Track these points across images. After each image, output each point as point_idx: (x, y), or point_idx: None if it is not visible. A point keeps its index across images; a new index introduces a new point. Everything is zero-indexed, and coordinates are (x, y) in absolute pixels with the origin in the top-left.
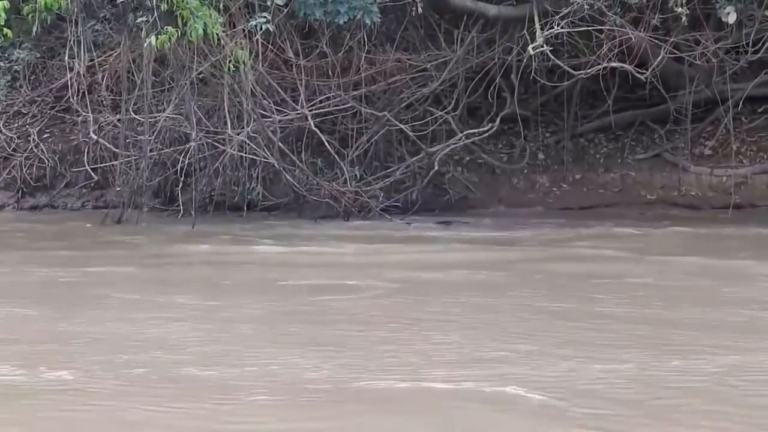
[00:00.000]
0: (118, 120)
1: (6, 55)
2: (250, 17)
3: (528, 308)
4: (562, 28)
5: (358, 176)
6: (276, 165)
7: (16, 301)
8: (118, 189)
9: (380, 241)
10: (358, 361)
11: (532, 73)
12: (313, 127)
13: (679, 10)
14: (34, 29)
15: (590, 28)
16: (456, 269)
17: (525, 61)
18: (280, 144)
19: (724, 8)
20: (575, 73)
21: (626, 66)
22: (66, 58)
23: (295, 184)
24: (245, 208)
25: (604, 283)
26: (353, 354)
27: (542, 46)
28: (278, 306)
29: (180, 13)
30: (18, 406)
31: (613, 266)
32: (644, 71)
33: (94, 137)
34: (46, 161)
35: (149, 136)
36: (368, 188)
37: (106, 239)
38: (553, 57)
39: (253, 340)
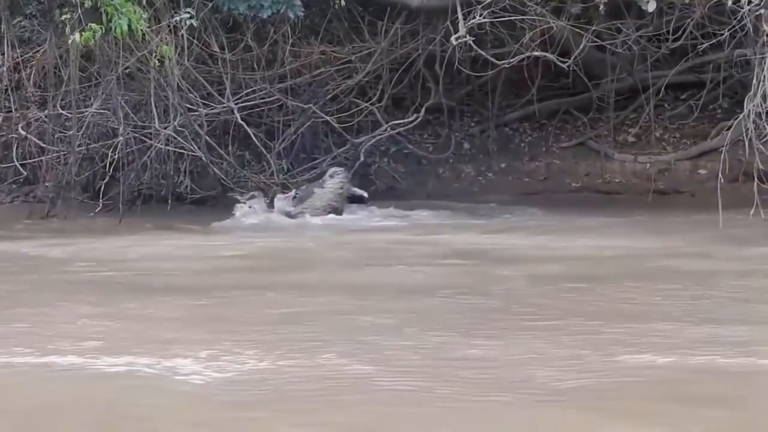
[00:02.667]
0: (46, 116)
1: None
2: (175, 12)
3: None
4: (484, 18)
5: (285, 168)
6: (203, 158)
7: None
8: (47, 185)
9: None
10: None
11: (456, 64)
12: (240, 121)
13: None
14: None
15: (512, 17)
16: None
17: (449, 51)
18: (207, 137)
19: None
20: (498, 62)
21: (549, 55)
22: None
23: (223, 177)
24: (168, 201)
25: None
26: None
27: (465, 37)
28: None
29: (104, 10)
30: None
31: None
32: (566, 60)
33: (23, 133)
34: None
35: (77, 132)
36: (295, 180)
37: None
38: (476, 47)
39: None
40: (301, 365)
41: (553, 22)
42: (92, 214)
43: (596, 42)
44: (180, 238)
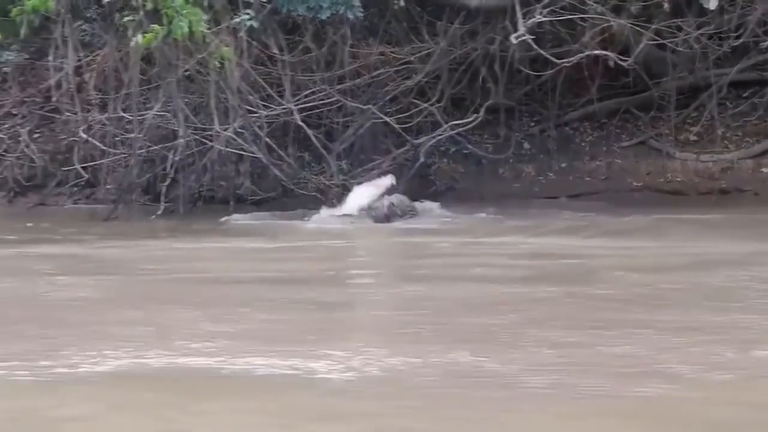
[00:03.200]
0: (107, 119)
1: None
2: (235, 14)
3: None
4: (543, 17)
5: (345, 169)
6: (263, 160)
7: None
8: (107, 187)
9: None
10: None
11: (516, 63)
12: (299, 122)
13: None
14: (22, 31)
15: (572, 16)
16: None
17: (508, 51)
18: (267, 139)
19: None
20: (558, 61)
21: (609, 54)
22: (53, 58)
23: (283, 178)
24: (229, 203)
25: None
26: None
27: (524, 36)
28: None
29: (165, 12)
30: None
31: None
32: (627, 59)
33: (84, 136)
34: (37, 161)
35: (137, 134)
36: (355, 181)
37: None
38: (535, 46)
39: None
40: (435, 363)
41: (613, 21)
42: (154, 216)
43: (657, 40)
44: (253, 240)
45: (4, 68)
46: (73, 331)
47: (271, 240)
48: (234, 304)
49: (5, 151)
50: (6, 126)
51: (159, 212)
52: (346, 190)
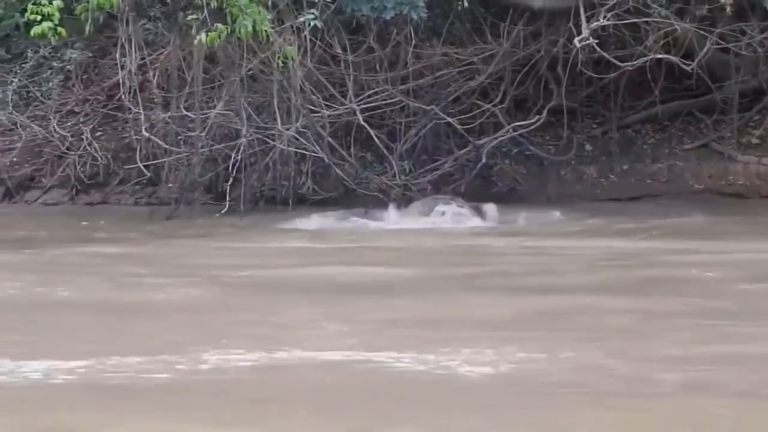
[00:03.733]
0: (170, 117)
1: (59, 54)
2: (298, 14)
3: None
4: (607, 20)
5: (407, 170)
6: (326, 159)
7: None
8: (170, 186)
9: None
10: None
11: (579, 65)
12: (362, 122)
13: (724, 0)
14: (87, 29)
15: (636, 20)
16: None
17: (571, 53)
18: (329, 139)
19: None
20: (621, 64)
21: (672, 57)
22: (117, 56)
23: (345, 178)
24: (290, 202)
25: None
26: None
27: (588, 39)
28: None
29: (229, 11)
30: None
31: None
32: (690, 62)
33: (146, 134)
34: (99, 159)
35: (200, 133)
36: (417, 181)
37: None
38: (599, 49)
39: None
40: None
41: (677, 24)
42: (217, 215)
43: (720, 44)
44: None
45: (68, 66)
46: (204, 331)
47: (351, 240)
48: (343, 303)
49: (68, 148)
50: (69, 124)
51: (223, 211)
52: (408, 190)
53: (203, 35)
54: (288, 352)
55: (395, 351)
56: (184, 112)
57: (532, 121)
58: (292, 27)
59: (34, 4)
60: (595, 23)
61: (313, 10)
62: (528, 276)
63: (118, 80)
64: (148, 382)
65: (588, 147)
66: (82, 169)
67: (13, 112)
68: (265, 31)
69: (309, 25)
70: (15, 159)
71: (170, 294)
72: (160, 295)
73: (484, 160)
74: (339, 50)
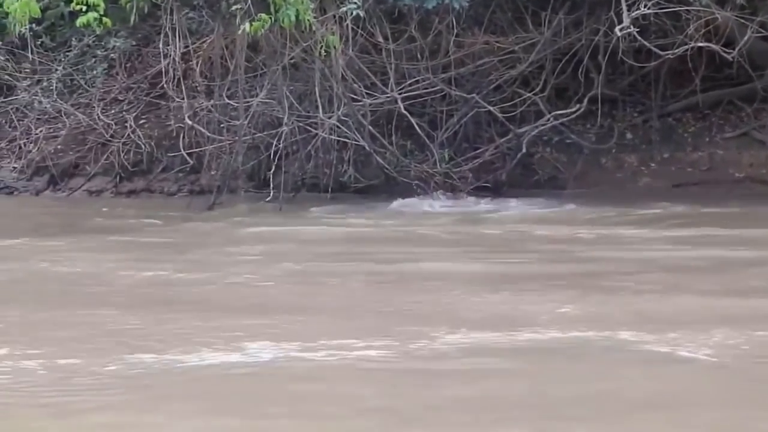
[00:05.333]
0: (213, 105)
1: (103, 43)
2: (341, 3)
3: None
4: (648, 9)
5: (448, 158)
6: (367, 147)
7: None
8: (212, 173)
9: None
10: None
11: (620, 54)
12: (403, 110)
13: None
14: (131, 18)
15: (677, 8)
16: None
17: (612, 41)
18: (371, 127)
19: None
20: (662, 53)
21: (713, 46)
22: (161, 45)
23: (386, 166)
24: (329, 190)
25: None
26: None
27: (629, 27)
28: None
29: (272, 0)
30: None
31: None
32: (731, 51)
33: (189, 122)
34: (143, 147)
35: (243, 121)
36: (458, 169)
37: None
38: (639, 38)
39: None
40: None
41: (718, 13)
42: (263, 202)
43: (761, 32)
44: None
45: (112, 54)
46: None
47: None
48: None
49: (111, 136)
50: (113, 112)
51: (267, 199)
52: (448, 178)
53: (247, 24)
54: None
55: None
56: (227, 101)
57: (573, 109)
58: (334, 16)
59: None
60: (636, 12)
61: (355, 0)
62: None
63: (162, 68)
64: None
65: (629, 135)
66: (125, 156)
67: (58, 100)
68: (308, 20)
69: (351, 14)
70: (59, 147)
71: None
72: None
73: (524, 149)
74: (381, 39)
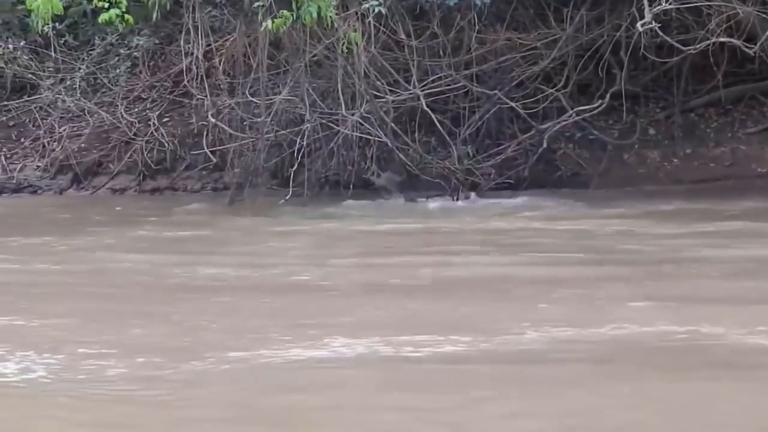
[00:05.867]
0: (235, 103)
1: (126, 41)
2: (363, 0)
3: None
4: (670, 4)
5: (470, 154)
6: (389, 144)
7: None
8: (235, 171)
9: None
10: None
11: (642, 50)
12: (425, 107)
13: None
14: (154, 15)
15: (698, 3)
16: None
17: (634, 37)
18: (393, 124)
19: None
20: (684, 48)
21: (734, 41)
22: (183, 43)
23: (408, 162)
24: (352, 187)
25: None
26: None
27: (651, 23)
28: None
29: None
30: None
31: None
32: (752, 46)
33: (212, 120)
34: (166, 145)
35: (265, 118)
36: (480, 166)
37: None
38: (661, 33)
39: None
40: None
41: (739, 8)
42: (282, 201)
43: None
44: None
45: (135, 53)
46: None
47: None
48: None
49: (135, 134)
50: (136, 110)
51: (287, 197)
52: (470, 175)
53: (269, 22)
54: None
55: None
56: (250, 98)
57: (595, 105)
58: (356, 13)
59: None
60: (658, 7)
61: None
62: None
63: (185, 67)
64: None
65: (651, 131)
66: (149, 154)
67: (81, 98)
68: (330, 17)
69: (373, 11)
70: (83, 145)
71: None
72: None
73: (545, 145)
74: (403, 36)
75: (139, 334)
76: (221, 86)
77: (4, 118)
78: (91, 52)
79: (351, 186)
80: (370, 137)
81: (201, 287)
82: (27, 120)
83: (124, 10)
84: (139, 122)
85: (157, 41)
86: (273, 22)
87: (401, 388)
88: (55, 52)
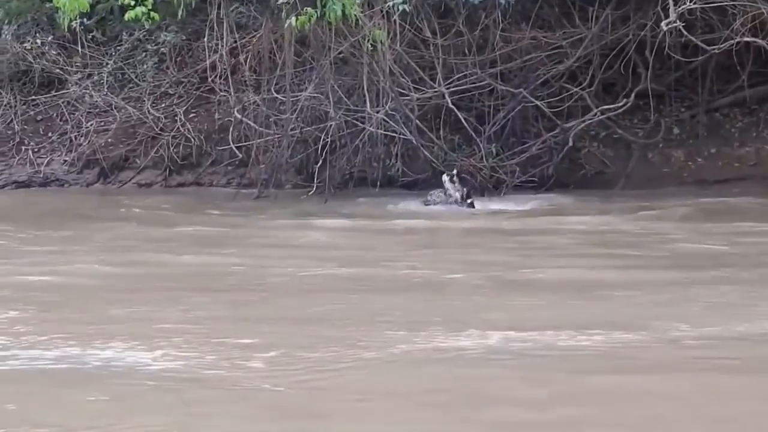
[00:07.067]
0: (261, 99)
1: (153, 37)
2: None
3: None
4: (694, 3)
5: (495, 152)
6: (414, 142)
7: None
8: (261, 167)
9: None
10: None
11: (666, 49)
12: (450, 105)
13: None
14: (180, 12)
15: (723, 3)
16: None
17: (659, 37)
18: (418, 121)
19: None
20: (709, 48)
21: (759, 41)
22: (206, 40)
23: (434, 160)
24: (378, 184)
25: None
26: None
27: (675, 22)
28: None
29: None
30: None
31: None
32: None
33: (238, 116)
34: (192, 140)
35: (290, 115)
36: (504, 164)
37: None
38: (686, 33)
39: None
40: None
41: (764, 8)
42: (304, 196)
43: None
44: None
45: (162, 49)
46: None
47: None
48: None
49: (161, 129)
50: (163, 105)
51: (310, 192)
52: (495, 172)
53: (293, 19)
54: None
55: None
56: (275, 95)
57: (620, 104)
58: (381, 11)
59: None
60: (682, 7)
61: None
62: None
63: (211, 63)
64: None
65: (676, 130)
66: (175, 150)
67: (109, 93)
68: (355, 15)
69: (398, 9)
70: (110, 140)
71: None
72: None
73: (571, 143)
74: (428, 34)
75: (316, 331)
76: (247, 82)
77: (32, 113)
78: (118, 47)
79: (378, 183)
80: (395, 134)
81: (315, 286)
82: (54, 115)
83: (150, 7)
84: (165, 118)
85: (184, 37)
86: (297, 19)
87: None
88: (82, 47)
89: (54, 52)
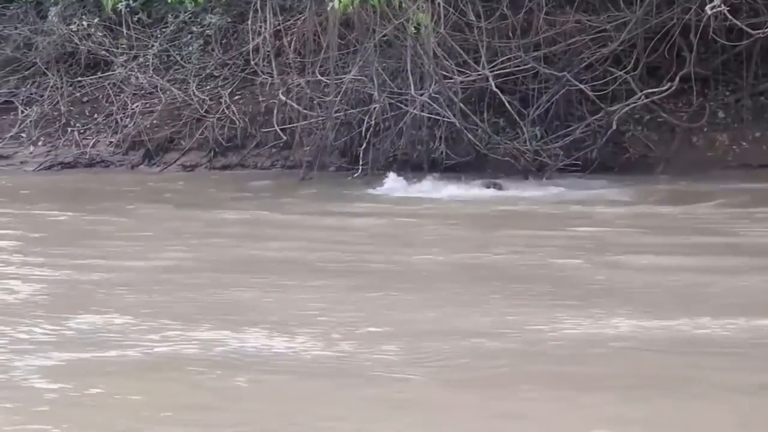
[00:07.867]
0: (305, 82)
1: (198, 20)
2: None
3: None
4: None
5: (539, 135)
6: (458, 125)
7: None
8: (305, 149)
9: None
10: None
11: (711, 33)
12: (494, 88)
13: None
14: None
15: None
16: None
17: (704, 20)
18: (462, 104)
19: None
20: (753, 32)
21: None
22: (254, 22)
23: (477, 143)
24: (422, 167)
25: None
26: None
27: (720, 6)
28: None
29: None
30: None
31: None
32: None
33: (283, 99)
34: (237, 122)
35: (334, 98)
36: (548, 147)
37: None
38: (731, 17)
39: None
40: None
41: None
42: (349, 178)
43: None
44: None
45: (207, 31)
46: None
47: None
48: None
49: (206, 111)
50: (208, 87)
51: (355, 175)
52: (538, 155)
53: (336, 2)
54: None
55: None
56: (320, 77)
57: (664, 88)
58: None
59: None
60: None
61: None
62: None
63: (255, 45)
64: None
65: (720, 114)
66: (219, 131)
67: (154, 75)
68: None
69: None
70: (155, 121)
71: None
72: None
73: (614, 127)
74: (472, 17)
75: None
76: (291, 65)
77: (78, 94)
78: (164, 29)
79: (422, 166)
80: (438, 117)
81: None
82: (100, 96)
83: None
84: (210, 99)
85: (229, 19)
86: (340, 1)
87: None
88: (128, 29)
89: (100, 34)
